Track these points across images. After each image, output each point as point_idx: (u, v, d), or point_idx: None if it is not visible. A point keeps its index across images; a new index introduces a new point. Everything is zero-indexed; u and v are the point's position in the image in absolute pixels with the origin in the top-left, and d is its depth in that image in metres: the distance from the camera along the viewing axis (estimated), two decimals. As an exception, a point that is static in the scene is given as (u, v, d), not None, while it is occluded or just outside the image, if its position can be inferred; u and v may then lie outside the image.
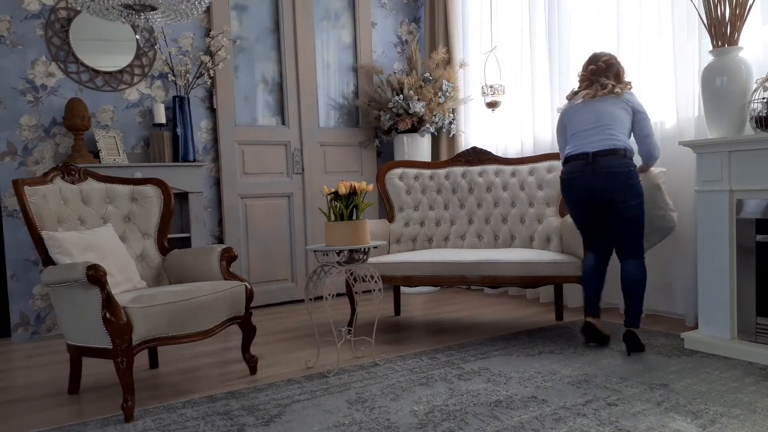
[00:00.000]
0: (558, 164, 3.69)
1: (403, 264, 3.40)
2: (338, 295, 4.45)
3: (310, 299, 2.95)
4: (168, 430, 2.23)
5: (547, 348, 3.06)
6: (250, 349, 2.88)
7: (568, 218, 3.40)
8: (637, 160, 2.99)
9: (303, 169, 4.77)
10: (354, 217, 2.85)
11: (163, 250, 3.09)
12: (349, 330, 3.22)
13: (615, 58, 3.07)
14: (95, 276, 2.30)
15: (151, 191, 3.13)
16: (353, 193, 2.85)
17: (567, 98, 3.18)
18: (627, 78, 3.11)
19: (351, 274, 2.99)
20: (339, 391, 2.55)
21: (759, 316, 2.75)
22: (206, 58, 4.26)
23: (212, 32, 4.34)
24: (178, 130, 4.14)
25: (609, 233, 2.98)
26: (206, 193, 4.43)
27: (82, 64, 4.03)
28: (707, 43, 3.04)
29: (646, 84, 3.57)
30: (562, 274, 3.17)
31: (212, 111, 4.48)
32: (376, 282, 2.99)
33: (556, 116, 4.04)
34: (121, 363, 2.32)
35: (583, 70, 3.10)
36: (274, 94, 4.73)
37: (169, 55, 4.24)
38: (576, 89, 3.15)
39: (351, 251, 2.86)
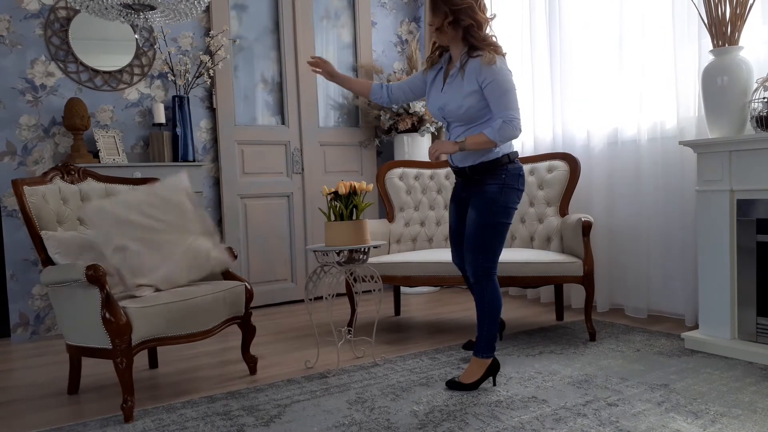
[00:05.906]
0: (559, 164, 3.65)
1: (403, 264, 3.40)
2: (338, 295, 4.43)
3: (310, 299, 2.94)
4: (167, 430, 2.22)
5: (548, 348, 3.06)
6: (249, 349, 2.87)
7: (569, 217, 3.39)
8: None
9: (303, 169, 4.76)
10: (354, 217, 2.85)
11: (163, 250, 3.09)
12: (349, 330, 3.22)
13: None
14: (95, 276, 2.30)
15: (151, 191, 3.12)
16: (353, 192, 2.84)
17: (503, 54, 2.53)
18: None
19: (351, 274, 2.99)
20: (339, 392, 2.54)
21: (759, 316, 2.74)
22: (206, 58, 4.26)
23: (212, 32, 4.34)
24: (178, 129, 4.13)
25: None
26: (206, 192, 4.42)
27: (82, 64, 4.03)
28: (707, 42, 3.04)
29: (647, 83, 3.56)
30: (563, 275, 3.16)
31: (212, 111, 4.48)
32: (376, 282, 2.99)
33: (557, 116, 4.04)
34: (120, 363, 2.31)
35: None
36: (273, 93, 4.72)
37: (169, 54, 4.23)
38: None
39: (351, 251, 2.86)
